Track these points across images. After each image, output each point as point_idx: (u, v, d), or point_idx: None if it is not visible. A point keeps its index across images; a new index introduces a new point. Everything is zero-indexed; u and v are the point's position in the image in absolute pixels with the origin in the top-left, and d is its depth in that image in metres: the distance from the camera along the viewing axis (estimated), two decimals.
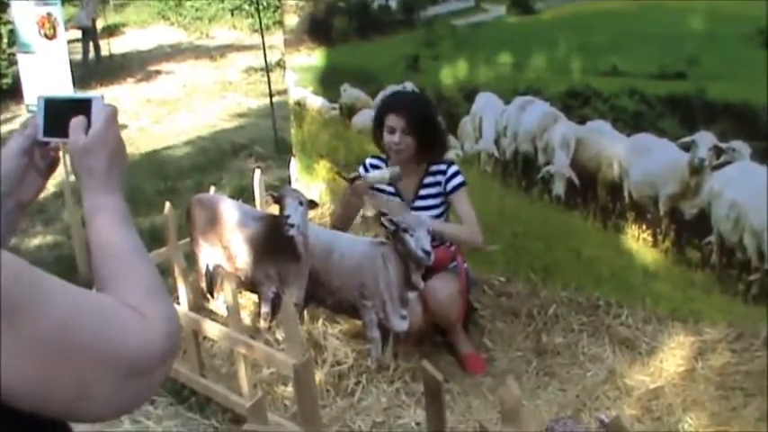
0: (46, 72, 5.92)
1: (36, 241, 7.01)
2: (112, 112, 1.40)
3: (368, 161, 4.63)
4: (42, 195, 1.50)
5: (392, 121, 4.31)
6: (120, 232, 1.29)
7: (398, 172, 4.27)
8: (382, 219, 4.12)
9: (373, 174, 4.37)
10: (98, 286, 1.21)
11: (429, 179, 4.45)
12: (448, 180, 4.41)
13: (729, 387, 3.91)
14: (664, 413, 3.81)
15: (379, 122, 4.43)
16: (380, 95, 5.94)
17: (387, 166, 4.53)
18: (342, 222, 4.61)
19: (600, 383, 4.15)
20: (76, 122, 1.37)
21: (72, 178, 5.69)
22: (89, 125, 1.37)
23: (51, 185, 1.56)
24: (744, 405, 3.76)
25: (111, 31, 20.57)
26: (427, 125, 4.38)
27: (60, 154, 1.50)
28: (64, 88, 5.78)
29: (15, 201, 1.41)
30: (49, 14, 5.81)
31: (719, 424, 3.67)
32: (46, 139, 1.43)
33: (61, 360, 0.99)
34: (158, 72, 16.45)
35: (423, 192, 4.44)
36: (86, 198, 1.34)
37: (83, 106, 1.38)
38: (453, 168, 4.45)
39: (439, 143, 4.52)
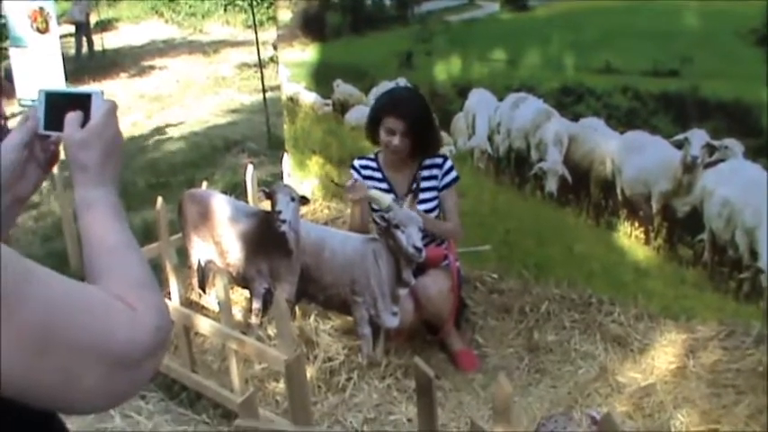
0: (38, 66, 5.90)
1: (28, 235, 6.99)
2: (111, 107, 1.40)
3: (357, 162, 4.60)
4: None
5: (392, 123, 4.29)
6: (112, 226, 1.29)
7: (394, 205, 4.14)
8: (374, 216, 4.11)
9: (376, 192, 4.26)
10: (89, 281, 1.21)
11: (423, 173, 4.45)
12: (444, 174, 4.43)
13: (721, 384, 3.91)
14: (655, 410, 3.81)
15: (375, 121, 4.41)
16: (373, 92, 5.93)
17: (377, 164, 4.55)
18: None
19: (591, 380, 4.15)
20: (72, 117, 1.37)
21: (66, 173, 5.69)
22: (87, 119, 1.37)
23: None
24: (735, 403, 3.76)
25: (105, 26, 20.50)
26: (425, 126, 4.38)
27: (60, 148, 1.49)
28: (56, 83, 5.75)
29: (14, 194, 1.41)
30: (41, 8, 5.78)
31: (711, 422, 3.66)
32: (46, 133, 1.43)
33: (49, 350, 0.98)
34: (151, 67, 16.42)
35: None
36: (78, 192, 1.34)
37: (83, 101, 1.39)
38: (449, 163, 4.47)
39: (434, 140, 4.52)
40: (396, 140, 4.29)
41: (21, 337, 0.95)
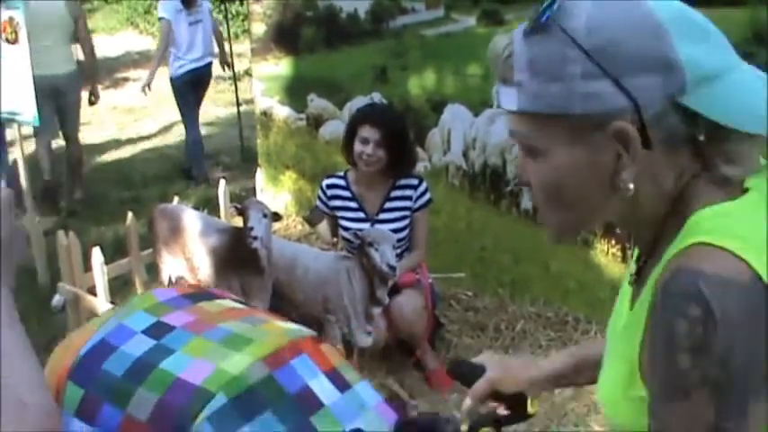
0: (8, 78, 5.79)
1: None
2: (6, 200, 1.23)
3: (325, 182, 4.58)
4: None
5: (366, 132, 4.25)
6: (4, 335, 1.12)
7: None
8: (344, 234, 4.08)
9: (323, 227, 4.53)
10: None
11: (396, 193, 4.40)
12: (419, 196, 4.38)
13: None
14: None
15: (351, 132, 4.36)
16: (348, 106, 5.88)
17: (345, 182, 4.51)
18: None
19: (568, 400, 4.11)
20: None
21: (34, 196, 5.60)
22: None
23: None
24: None
25: None
26: (400, 140, 4.34)
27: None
28: (26, 94, 5.65)
29: None
30: (11, 18, 5.67)
31: None
32: None
33: None
34: (125, 79, 16.27)
35: (388, 205, 4.38)
36: None
37: None
38: (424, 185, 4.45)
39: (409, 158, 4.47)
40: (369, 149, 4.23)
41: None
